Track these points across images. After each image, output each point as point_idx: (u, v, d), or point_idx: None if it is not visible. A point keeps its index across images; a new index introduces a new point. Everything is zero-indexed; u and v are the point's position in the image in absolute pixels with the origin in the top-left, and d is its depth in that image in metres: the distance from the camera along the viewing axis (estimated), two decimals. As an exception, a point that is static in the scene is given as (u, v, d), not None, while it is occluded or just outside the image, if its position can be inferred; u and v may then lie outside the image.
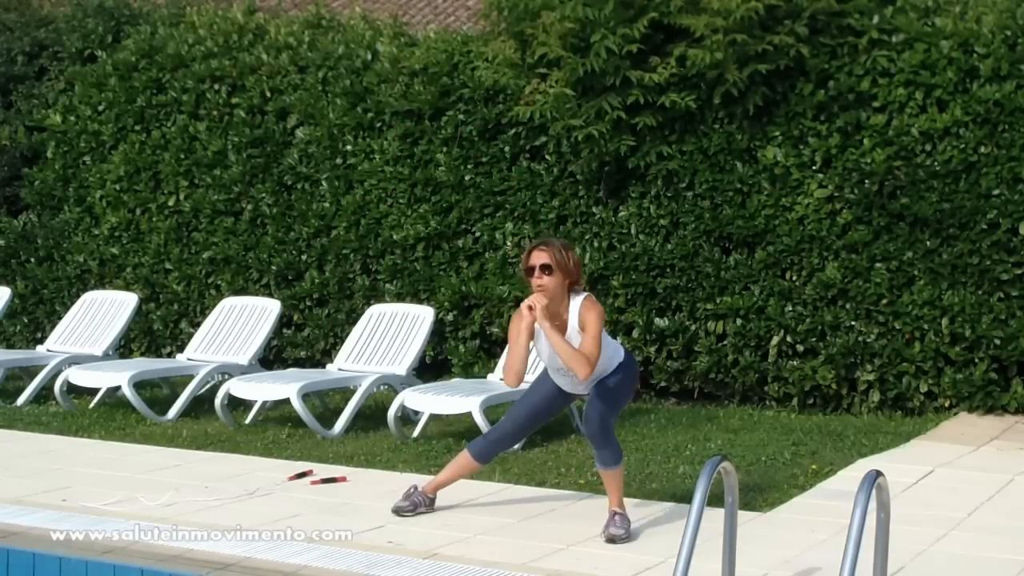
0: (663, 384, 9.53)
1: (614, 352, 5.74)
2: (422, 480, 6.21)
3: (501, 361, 8.59)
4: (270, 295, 10.48)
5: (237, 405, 8.82)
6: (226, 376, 9.04)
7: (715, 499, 4.72)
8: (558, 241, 5.76)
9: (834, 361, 8.91)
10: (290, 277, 10.80)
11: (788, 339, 9.08)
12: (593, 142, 9.17)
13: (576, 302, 5.62)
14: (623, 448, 7.60)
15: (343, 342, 9.44)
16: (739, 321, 9.16)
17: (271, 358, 10.77)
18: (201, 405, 9.10)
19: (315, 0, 12.18)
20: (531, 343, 5.67)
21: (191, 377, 9.12)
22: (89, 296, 10.57)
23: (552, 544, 5.43)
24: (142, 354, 11.35)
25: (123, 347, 11.21)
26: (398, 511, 5.93)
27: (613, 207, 9.65)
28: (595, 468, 6.81)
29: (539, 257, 5.60)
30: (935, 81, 8.71)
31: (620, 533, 5.52)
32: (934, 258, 8.73)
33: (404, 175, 10.30)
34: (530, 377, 6.28)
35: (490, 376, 8.56)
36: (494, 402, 7.83)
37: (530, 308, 5.53)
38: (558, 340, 5.49)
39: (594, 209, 9.70)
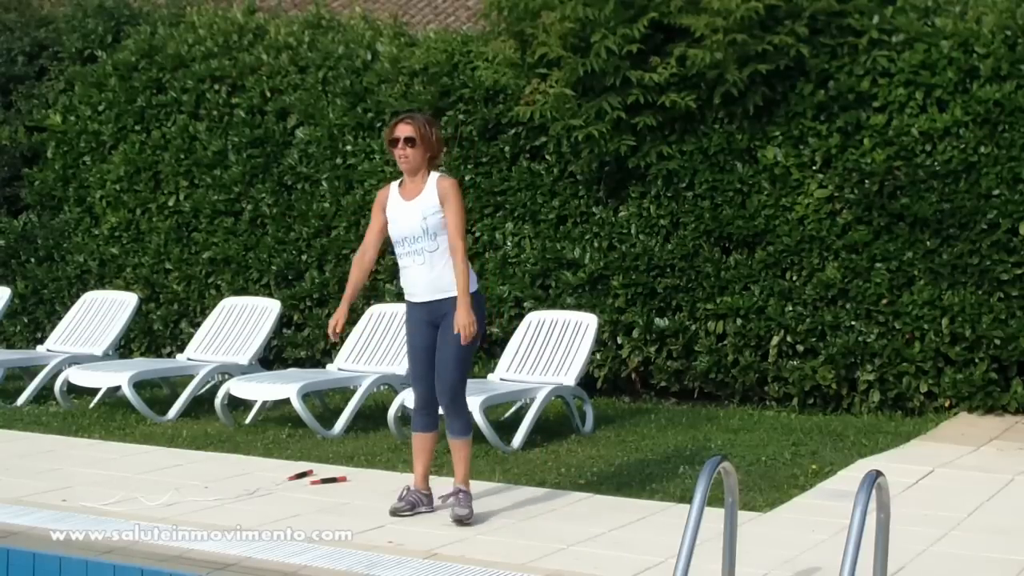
0: (663, 384, 9.53)
1: (471, 274, 5.84)
2: (413, 479, 6.19)
3: (501, 361, 8.60)
4: (270, 295, 10.48)
5: (237, 405, 8.82)
6: (226, 376, 9.04)
7: (715, 499, 4.72)
8: (423, 115, 5.99)
9: (834, 361, 8.91)
10: (290, 277, 10.80)
11: (788, 339, 9.08)
12: (593, 142, 9.17)
13: (433, 177, 5.82)
14: (623, 448, 7.65)
15: (343, 342, 9.44)
16: (739, 321, 9.16)
17: (271, 358, 10.77)
18: (201, 405, 9.10)
19: (315, 0, 12.18)
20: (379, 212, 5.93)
21: (191, 377, 9.12)
22: (89, 296, 10.57)
23: (552, 544, 5.43)
24: (142, 354, 11.35)
25: (123, 347, 11.21)
26: (396, 512, 5.93)
27: (613, 207, 9.65)
28: (595, 468, 6.83)
29: (404, 130, 5.80)
30: (935, 81, 8.71)
31: (466, 513, 5.72)
32: (934, 258, 8.73)
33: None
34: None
35: (490, 376, 8.55)
36: (494, 402, 7.83)
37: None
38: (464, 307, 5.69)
39: (594, 209, 9.70)
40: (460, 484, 5.84)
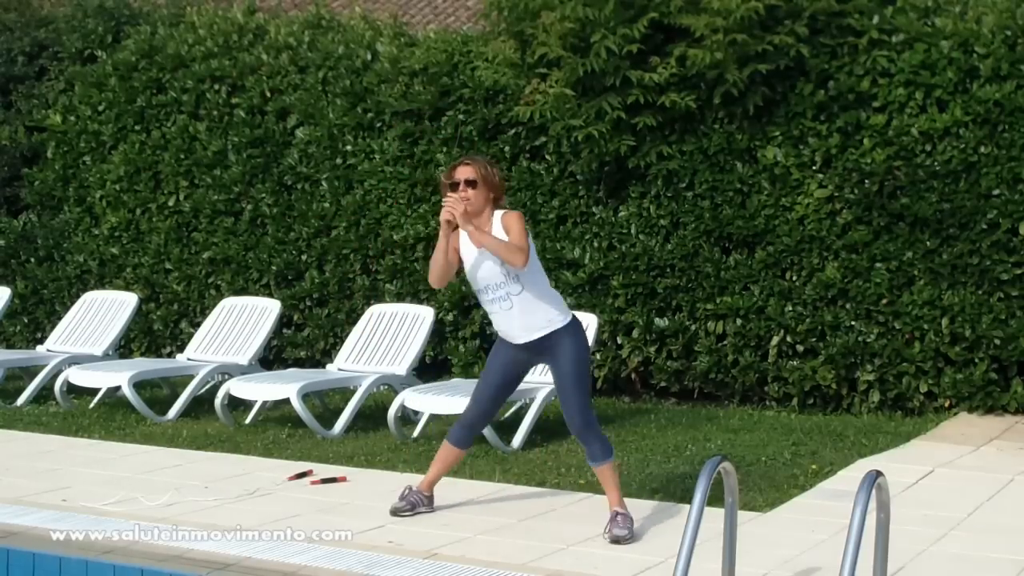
0: (663, 384, 9.53)
1: (558, 299, 5.80)
2: (420, 480, 6.20)
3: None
4: (270, 295, 10.48)
5: (237, 405, 8.82)
6: (226, 376, 9.04)
7: (715, 499, 4.72)
8: (482, 158, 5.90)
9: (834, 361, 8.91)
10: (290, 277, 10.80)
11: (788, 339, 9.08)
12: (593, 142, 9.17)
13: (498, 215, 5.70)
14: (623, 449, 7.65)
15: (343, 342, 9.44)
16: (739, 321, 9.16)
17: (271, 358, 10.77)
18: (201, 405, 9.10)
19: (315, 0, 12.18)
20: (453, 254, 5.78)
21: (191, 377, 9.12)
22: (89, 296, 10.57)
23: (552, 544, 5.43)
24: (142, 354, 11.35)
25: (123, 347, 11.21)
26: (396, 512, 5.93)
27: (613, 207, 9.65)
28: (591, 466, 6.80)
29: (464, 172, 5.71)
30: (935, 81, 8.71)
31: (624, 534, 5.50)
32: (934, 258, 8.73)
33: (404, 175, 10.30)
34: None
35: (490, 376, 8.54)
36: (494, 402, 7.82)
37: (448, 221, 5.58)
38: (485, 237, 5.55)
39: (594, 209, 9.70)
40: (616, 507, 5.64)
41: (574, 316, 5.84)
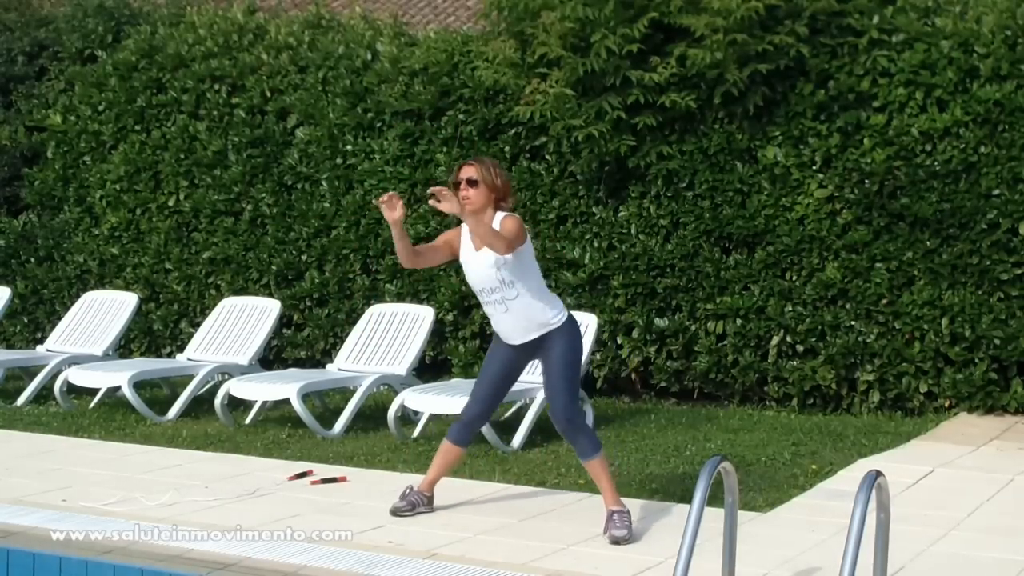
0: (663, 384, 9.52)
1: (554, 300, 5.81)
2: (421, 480, 6.20)
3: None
4: (270, 295, 10.48)
5: (237, 405, 8.82)
6: (226, 376, 9.04)
7: (715, 499, 4.72)
8: (489, 159, 5.90)
9: (834, 361, 8.91)
10: (290, 277, 10.80)
11: (788, 339, 9.08)
12: (593, 142, 9.17)
13: (499, 216, 5.73)
14: (623, 449, 7.65)
15: (343, 342, 9.44)
16: (739, 321, 9.16)
17: (271, 358, 10.77)
18: (201, 405, 9.11)
19: (315, 0, 12.18)
20: (444, 247, 5.83)
21: (191, 377, 9.12)
22: (89, 296, 10.57)
23: (552, 544, 5.43)
24: (142, 354, 11.35)
25: (123, 347, 11.21)
26: (396, 512, 5.93)
27: (613, 207, 9.65)
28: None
29: (466, 172, 5.76)
30: (935, 81, 8.71)
31: (623, 534, 5.50)
32: (934, 258, 8.73)
33: (404, 175, 10.30)
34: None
35: (490, 376, 8.54)
36: (494, 402, 7.82)
37: (436, 200, 5.51)
38: (474, 221, 5.53)
39: (594, 209, 9.70)
40: (612, 506, 5.64)
41: (570, 315, 5.86)
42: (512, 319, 5.73)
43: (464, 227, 5.82)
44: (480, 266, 5.72)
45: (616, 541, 5.47)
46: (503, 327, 5.81)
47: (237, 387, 8.36)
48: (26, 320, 11.95)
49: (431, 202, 5.51)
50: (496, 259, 5.64)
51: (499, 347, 5.91)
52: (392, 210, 5.57)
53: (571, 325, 5.82)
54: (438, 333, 9.97)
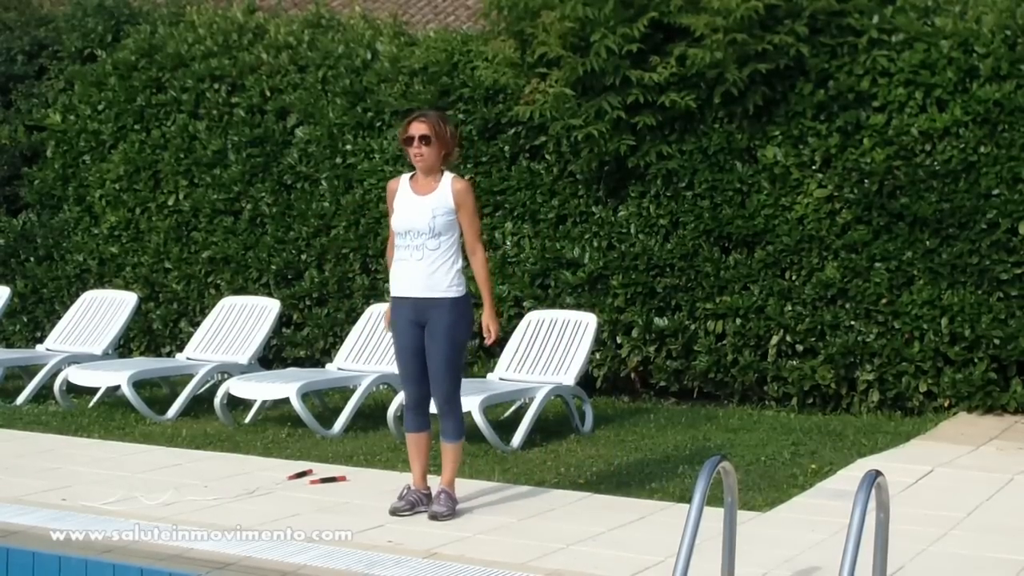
0: (663, 384, 9.52)
1: (461, 274, 5.88)
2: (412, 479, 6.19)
3: (501, 360, 8.60)
4: (269, 294, 10.48)
5: (237, 404, 8.82)
6: (226, 375, 9.04)
7: (715, 499, 4.72)
8: (436, 113, 5.99)
9: (834, 361, 8.91)
10: (290, 276, 10.80)
11: (788, 339, 9.08)
12: (593, 142, 9.17)
13: (448, 178, 5.86)
14: (623, 448, 7.65)
15: (343, 341, 9.44)
16: (739, 321, 9.16)
17: (271, 357, 10.77)
18: (201, 404, 9.10)
19: (315, 0, 12.17)
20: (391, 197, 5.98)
21: (191, 376, 9.12)
22: (89, 295, 10.56)
23: (552, 544, 5.43)
24: (142, 353, 11.35)
25: (123, 346, 11.20)
26: (395, 512, 5.93)
27: (613, 207, 9.64)
28: (594, 468, 6.82)
29: (418, 128, 5.83)
30: (935, 81, 8.71)
31: (443, 511, 5.78)
32: (934, 258, 8.73)
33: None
34: None
35: (489, 375, 8.55)
36: (493, 401, 7.83)
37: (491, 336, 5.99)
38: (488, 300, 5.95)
39: (594, 209, 9.70)
40: (445, 486, 5.93)
41: (466, 295, 5.93)
42: (420, 268, 5.81)
43: (404, 177, 5.97)
44: (416, 210, 5.81)
45: (434, 516, 5.76)
46: (406, 276, 5.86)
47: (237, 386, 8.36)
48: (26, 319, 11.95)
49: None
50: (435, 207, 5.78)
51: (398, 315, 5.95)
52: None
53: (465, 304, 5.90)
54: (438, 332, 9.95)
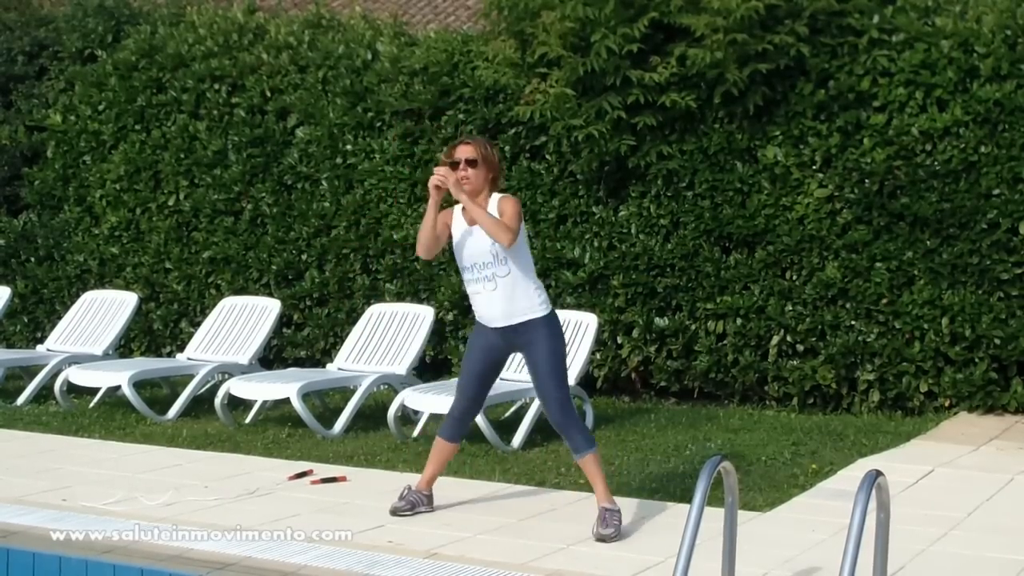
0: (663, 384, 9.53)
1: (540, 286, 5.79)
2: (418, 479, 6.20)
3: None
4: (270, 295, 10.48)
5: (237, 405, 8.82)
6: (226, 376, 9.04)
7: (715, 499, 4.72)
8: (483, 138, 5.93)
9: (834, 361, 8.91)
10: (290, 277, 10.81)
11: (788, 339, 9.08)
12: (593, 142, 9.17)
13: (495, 198, 5.74)
14: (623, 448, 7.65)
15: (343, 342, 9.44)
16: (739, 321, 9.16)
17: (271, 358, 10.77)
18: (201, 405, 9.11)
19: (315, 0, 12.18)
20: (443, 229, 5.82)
21: (191, 377, 9.12)
22: (89, 296, 10.57)
23: (552, 544, 5.43)
24: (142, 354, 11.35)
25: (123, 347, 11.21)
26: (396, 512, 5.93)
27: (613, 207, 9.65)
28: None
29: (464, 151, 5.74)
30: (935, 81, 8.71)
31: (609, 532, 5.50)
32: (934, 258, 8.73)
33: (404, 175, 10.30)
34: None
35: (490, 376, 8.54)
36: (493, 401, 7.82)
37: (437, 187, 5.62)
38: (478, 210, 5.60)
39: (594, 209, 9.70)
40: (604, 503, 5.62)
41: (552, 310, 5.85)
42: (499, 298, 5.70)
43: (456, 209, 5.82)
44: (475, 240, 5.71)
45: (602, 539, 5.48)
46: (487, 308, 5.75)
47: (237, 386, 8.36)
48: (26, 319, 11.95)
49: (434, 182, 5.57)
50: None
51: (480, 337, 5.87)
52: (443, 186, 5.60)
53: (554, 318, 5.82)
54: (438, 333, 9.97)
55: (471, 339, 5.97)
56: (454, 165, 5.71)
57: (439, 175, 5.63)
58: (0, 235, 12.06)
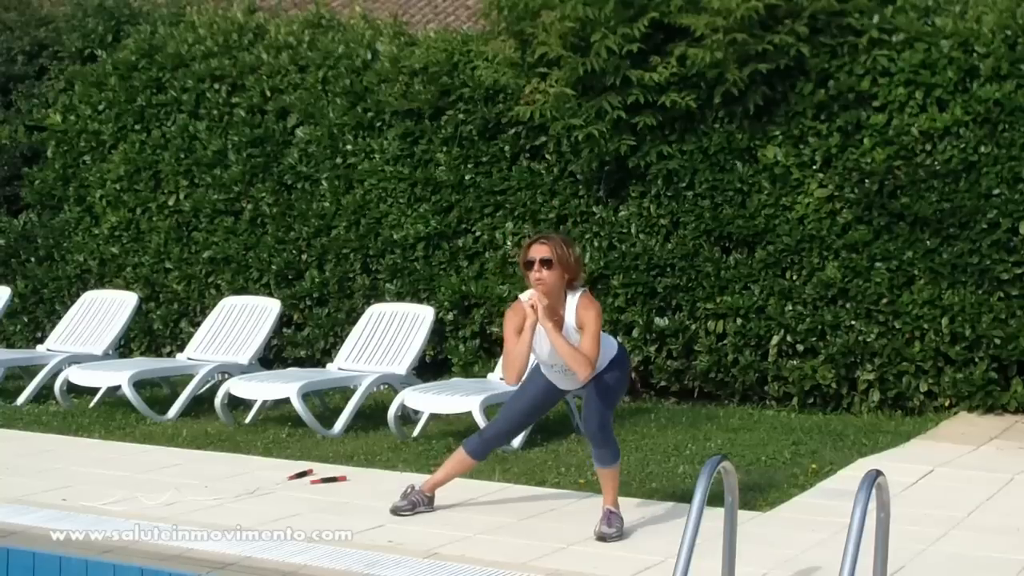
0: (663, 384, 9.52)
1: (608, 347, 5.73)
2: (421, 479, 6.20)
3: (501, 360, 8.57)
4: (270, 294, 10.47)
5: (237, 404, 8.82)
6: (226, 375, 9.04)
7: (715, 499, 4.72)
8: (559, 236, 5.73)
9: (834, 361, 8.91)
10: (290, 276, 10.80)
11: (788, 338, 9.08)
12: (593, 142, 9.17)
13: (573, 299, 5.58)
14: (623, 448, 7.63)
15: (343, 341, 9.44)
16: (739, 320, 9.16)
17: (271, 357, 10.76)
18: (201, 405, 9.10)
19: (315, 0, 12.18)
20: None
21: (191, 377, 9.12)
22: (89, 295, 10.57)
23: (552, 544, 5.43)
24: (142, 353, 11.35)
25: (123, 346, 11.20)
26: (396, 511, 5.93)
27: (613, 207, 9.64)
28: (595, 467, 6.80)
29: (539, 251, 5.54)
30: (935, 81, 8.71)
31: (611, 532, 5.54)
32: (934, 258, 8.73)
33: (404, 175, 10.30)
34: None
35: (490, 375, 8.55)
36: (494, 401, 7.81)
37: (532, 307, 5.48)
38: (560, 341, 5.46)
39: (594, 209, 9.70)
40: (610, 506, 5.68)
41: (620, 348, 5.79)
42: (572, 380, 5.71)
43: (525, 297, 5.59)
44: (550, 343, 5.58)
45: (603, 537, 5.51)
46: (562, 382, 5.78)
47: (237, 386, 8.36)
48: (26, 319, 11.94)
49: (531, 302, 5.42)
50: (567, 336, 5.51)
51: (541, 379, 5.85)
52: (535, 313, 5.43)
53: (622, 358, 5.76)
54: (438, 332, 9.96)
55: (535, 373, 5.86)
56: (528, 265, 5.53)
57: (534, 301, 5.45)
58: (0, 235, 12.06)
